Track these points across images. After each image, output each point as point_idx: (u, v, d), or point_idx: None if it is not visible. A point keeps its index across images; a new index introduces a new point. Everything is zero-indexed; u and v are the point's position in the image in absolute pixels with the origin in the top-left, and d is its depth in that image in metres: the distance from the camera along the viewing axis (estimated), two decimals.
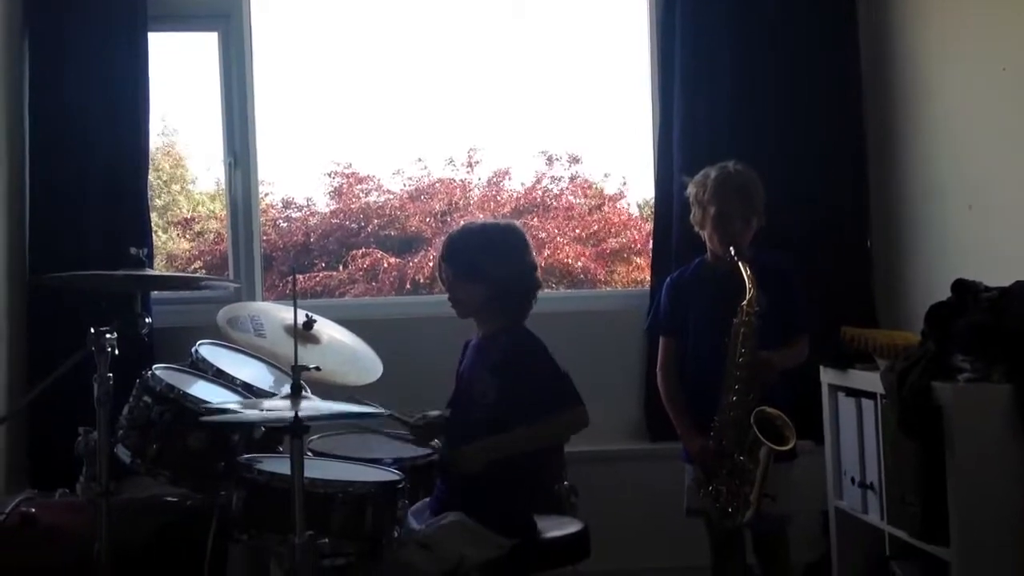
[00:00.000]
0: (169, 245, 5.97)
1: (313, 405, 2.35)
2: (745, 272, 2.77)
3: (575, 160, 5.97)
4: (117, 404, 2.65)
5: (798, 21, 3.78)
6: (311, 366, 2.49)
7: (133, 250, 2.67)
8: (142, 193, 3.64)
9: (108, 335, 2.56)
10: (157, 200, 5.68)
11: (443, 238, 2.77)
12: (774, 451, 2.64)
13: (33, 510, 2.77)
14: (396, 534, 2.48)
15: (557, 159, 5.98)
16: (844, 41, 3.81)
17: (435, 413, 2.70)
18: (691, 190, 3.01)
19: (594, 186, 6.10)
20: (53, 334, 3.42)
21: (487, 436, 2.51)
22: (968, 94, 3.26)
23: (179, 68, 4.13)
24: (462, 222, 2.86)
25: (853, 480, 2.98)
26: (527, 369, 2.55)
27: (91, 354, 2.55)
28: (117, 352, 2.58)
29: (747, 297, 2.75)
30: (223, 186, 4.11)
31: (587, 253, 5.76)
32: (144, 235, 3.54)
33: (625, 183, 5.99)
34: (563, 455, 3.01)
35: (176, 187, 6.18)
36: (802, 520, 3.06)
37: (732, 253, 2.82)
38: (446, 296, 2.69)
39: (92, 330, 2.55)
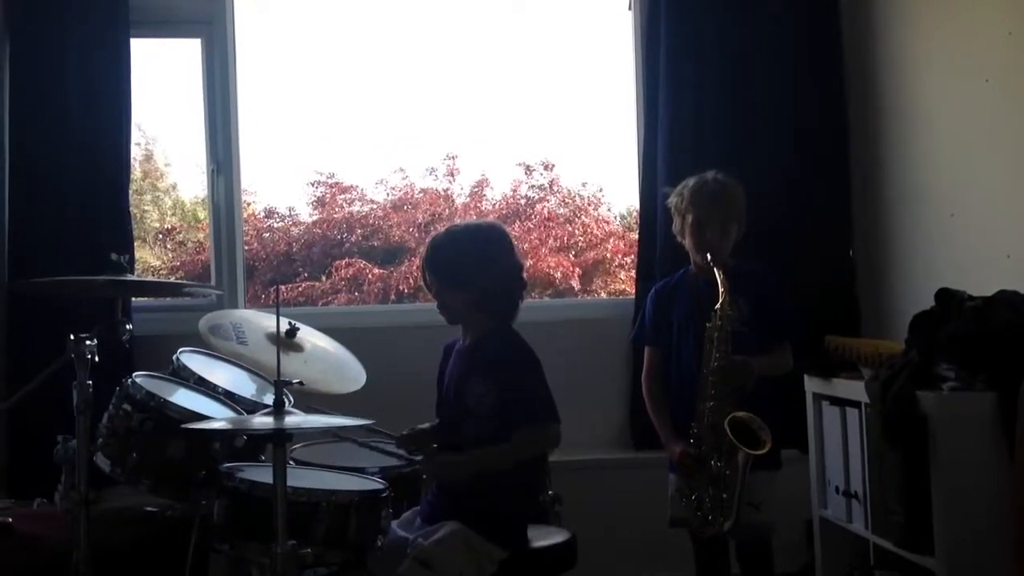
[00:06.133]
0: (147, 256, 5.90)
1: (296, 420, 2.33)
2: (719, 277, 2.79)
3: (555, 169, 5.97)
4: (97, 412, 2.62)
5: (783, 32, 3.80)
6: (294, 381, 2.47)
7: (114, 256, 2.64)
8: (123, 199, 3.61)
9: (88, 342, 2.53)
10: (133, 210, 5.62)
11: (426, 243, 2.68)
12: (752, 456, 2.64)
13: (10, 520, 2.73)
14: (379, 544, 2.46)
15: (535, 169, 5.98)
16: (828, 51, 3.84)
17: (427, 425, 2.63)
18: (671, 200, 3.05)
19: (576, 196, 6.10)
20: (32, 341, 3.39)
21: (487, 446, 2.45)
22: (951, 104, 3.28)
23: (155, 76, 4.08)
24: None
25: (837, 489, 2.98)
26: (522, 369, 2.49)
27: (71, 361, 2.52)
28: (97, 359, 2.55)
29: (720, 301, 2.77)
30: (203, 196, 4.08)
31: (567, 264, 5.75)
32: (125, 241, 3.51)
33: (603, 192, 6.00)
34: (548, 464, 2.99)
35: (148, 197, 6.11)
36: (786, 529, 3.05)
37: (708, 259, 2.84)
38: (431, 304, 2.64)
39: (72, 337, 2.52)
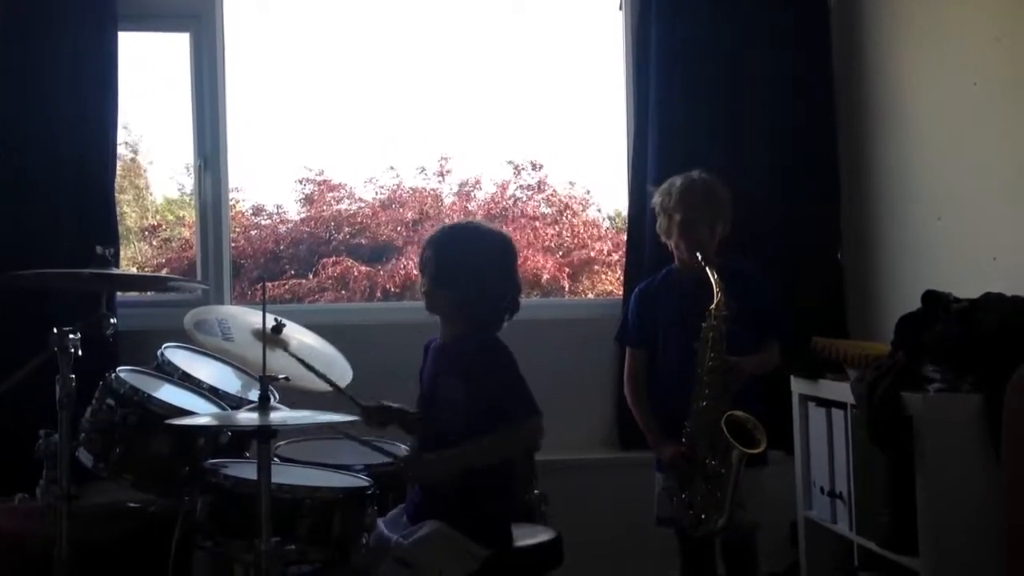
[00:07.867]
0: (130, 253, 5.84)
1: (281, 416, 2.32)
2: (713, 277, 2.79)
3: (544, 170, 5.97)
4: (80, 407, 2.60)
5: (772, 35, 3.81)
6: (280, 376, 2.46)
7: (99, 249, 2.62)
8: (109, 193, 3.58)
9: (72, 335, 2.51)
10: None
11: (439, 226, 2.62)
12: (746, 454, 2.64)
13: None
14: (364, 541, 2.44)
15: (524, 168, 5.98)
16: (818, 54, 3.85)
17: (396, 405, 2.60)
18: (657, 199, 3.05)
19: (563, 197, 6.10)
20: (16, 335, 3.34)
21: (460, 443, 2.43)
22: (939, 107, 3.29)
23: (139, 71, 4.03)
24: (438, 227, 2.69)
25: (822, 490, 2.99)
26: (497, 372, 2.46)
27: (54, 355, 2.50)
28: (80, 353, 2.53)
29: (715, 301, 2.77)
30: (186, 192, 4.05)
31: (555, 264, 5.75)
32: (111, 235, 3.48)
33: (591, 192, 6.00)
34: (534, 463, 2.98)
35: (129, 196, 6.06)
36: (771, 530, 3.06)
37: (699, 258, 2.84)
38: (417, 303, 2.62)
39: (55, 330, 2.50)
